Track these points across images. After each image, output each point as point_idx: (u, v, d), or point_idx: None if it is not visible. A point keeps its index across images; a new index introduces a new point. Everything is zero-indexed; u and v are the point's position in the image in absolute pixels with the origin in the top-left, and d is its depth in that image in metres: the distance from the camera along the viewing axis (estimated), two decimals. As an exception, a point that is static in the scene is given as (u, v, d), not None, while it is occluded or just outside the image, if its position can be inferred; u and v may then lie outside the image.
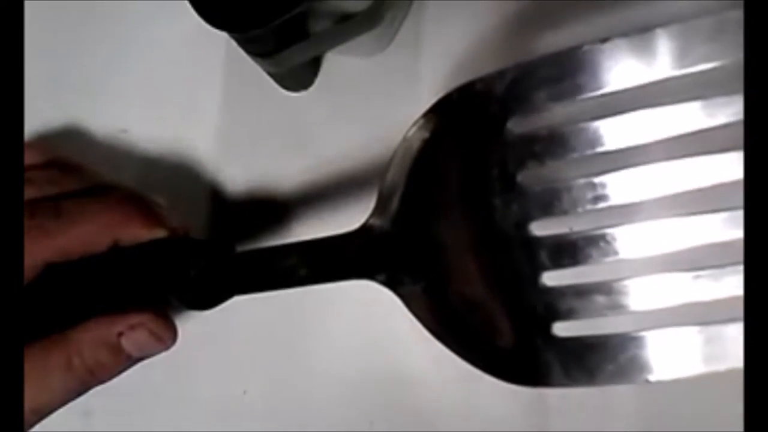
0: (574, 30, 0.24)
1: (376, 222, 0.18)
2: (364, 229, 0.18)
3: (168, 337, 0.20)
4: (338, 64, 0.25)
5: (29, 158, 0.22)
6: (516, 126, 0.15)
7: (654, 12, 0.22)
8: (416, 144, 0.17)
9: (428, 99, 0.24)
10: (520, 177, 0.15)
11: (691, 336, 0.14)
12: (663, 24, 0.14)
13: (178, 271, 0.20)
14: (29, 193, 0.21)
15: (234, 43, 0.20)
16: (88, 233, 0.20)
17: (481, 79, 0.15)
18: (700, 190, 0.14)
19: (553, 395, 0.24)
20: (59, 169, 0.22)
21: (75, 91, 0.27)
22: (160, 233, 0.20)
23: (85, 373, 0.19)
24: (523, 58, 0.24)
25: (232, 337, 0.25)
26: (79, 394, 0.20)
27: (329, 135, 0.25)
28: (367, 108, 0.25)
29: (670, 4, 0.20)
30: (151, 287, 0.20)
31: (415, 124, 0.17)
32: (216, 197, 0.26)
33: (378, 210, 0.18)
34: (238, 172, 0.26)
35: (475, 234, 0.16)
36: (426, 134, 0.17)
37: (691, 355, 0.14)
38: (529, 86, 0.15)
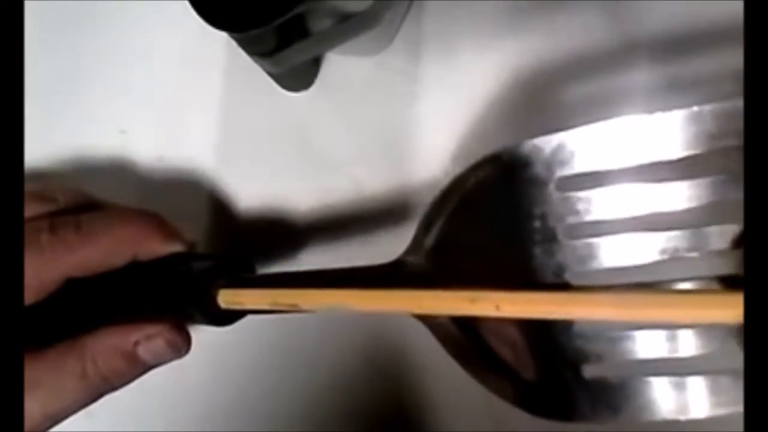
0: (573, 28, 0.24)
1: (411, 256, 0.18)
2: (399, 262, 0.18)
3: (183, 345, 0.21)
4: (338, 64, 0.25)
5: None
6: (559, 186, 0.16)
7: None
8: (461, 188, 0.18)
9: (428, 99, 0.25)
10: (560, 231, 0.16)
11: (701, 383, 0.15)
12: (709, 102, 0.15)
13: (201, 287, 0.20)
14: (48, 207, 0.21)
15: (234, 43, 0.20)
16: (108, 248, 0.20)
17: (530, 141, 0.16)
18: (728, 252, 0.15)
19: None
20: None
21: (75, 91, 0.27)
22: (177, 248, 0.21)
23: (99, 380, 0.20)
24: (524, 56, 0.24)
25: (233, 340, 0.25)
26: (93, 400, 0.20)
27: (329, 134, 0.25)
28: (367, 108, 0.25)
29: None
30: (172, 303, 0.21)
31: (463, 171, 0.18)
32: (216, 195, 0.26)
33: (414, 245, 0.18)
34: (238, 170, 0.26)
35: (510, 278, 0.17)
36: (473, 180, 0.17)
37: (703, 399, 0.15)
38: (573, 151, 0.16)
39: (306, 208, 0.25)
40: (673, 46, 0.23)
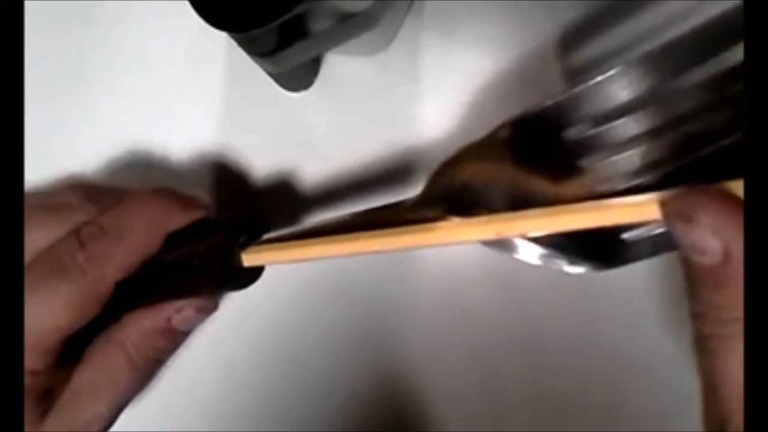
0: (573, 27, 0.24)
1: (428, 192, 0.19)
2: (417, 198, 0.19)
3: (211, 305, 0.22)
4: (338, 64, 0.26)
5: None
6: (570, 134, 0.18)
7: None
8: (482, 142, 0.19)
9: (428, 99, 0.25)
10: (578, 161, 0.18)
11: None
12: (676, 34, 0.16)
13: (223, 248, 0.21)
14: (68, 219, 0.21)
15: (234, 43, 0.20)
16: (142, 239, 0.20)
17: (551, 99, 0.18)
18: None
19: (555, 397, 0.24)
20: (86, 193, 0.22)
21: (75, 91, 0.27)
22: (198, 214, 0.21)
23: (148, 362, 0.21)
24: (524, 56, 0.24)
25: (230, 332, 0.26)
26: (150, 379, 0.21)
27: (329, 134, 0.25)
28: (367, 108, 0.25)
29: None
30: (195, 271, 0.21)
31: (489, 131, 0.19)
32: (216, 197, 0.26)
33: (431, 183, 0.19)
34: (238, 171, 0.26)
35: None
36: (498, 136, 0.19)
37: None
38: (579, 106, 0.18)
39: (305, 207, 0.25)
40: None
